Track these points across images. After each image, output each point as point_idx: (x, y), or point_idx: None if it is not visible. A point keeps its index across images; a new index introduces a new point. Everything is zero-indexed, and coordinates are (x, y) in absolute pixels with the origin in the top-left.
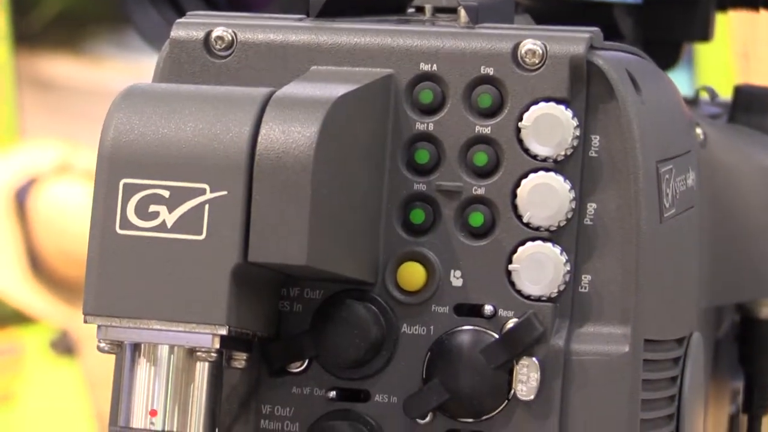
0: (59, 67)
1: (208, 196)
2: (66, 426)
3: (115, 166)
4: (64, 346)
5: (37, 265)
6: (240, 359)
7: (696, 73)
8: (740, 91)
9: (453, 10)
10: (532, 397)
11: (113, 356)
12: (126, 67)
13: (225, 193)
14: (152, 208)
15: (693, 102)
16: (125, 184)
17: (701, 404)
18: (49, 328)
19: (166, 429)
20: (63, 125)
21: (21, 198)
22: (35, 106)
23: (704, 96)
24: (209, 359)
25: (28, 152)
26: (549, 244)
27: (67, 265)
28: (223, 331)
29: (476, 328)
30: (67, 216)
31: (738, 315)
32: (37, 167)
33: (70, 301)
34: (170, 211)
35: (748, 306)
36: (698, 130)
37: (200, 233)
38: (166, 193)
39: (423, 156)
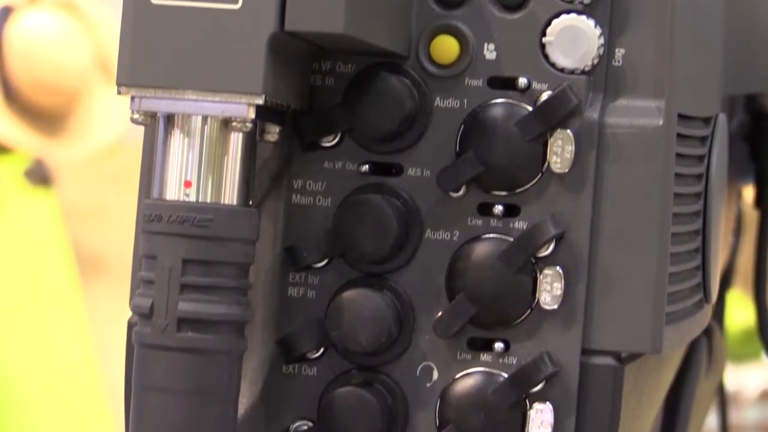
0: None
1: None
2: (42, 254)
3: None
4: (38, 175)
5: (12, 95)
6: (273, 132)
7: None
8: None
9: None
10: (566, 169)
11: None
12: None
13: None
14: None
15: None
16: None
17: (724, 187)
18: (24, 157)
19: (200, 200)
20: None
21: None
22: None
23: None
24: (244, 130)
25: None
26: (583, 17)
27: (41, 94)
28: (260, 101)
29: (510, 101)
30: (42, 45)
31: (748, 113)
32: None
33: (45, 130)
34: None
35: (760, 100)
36: None
37: (236, 2)
38: None
39: None
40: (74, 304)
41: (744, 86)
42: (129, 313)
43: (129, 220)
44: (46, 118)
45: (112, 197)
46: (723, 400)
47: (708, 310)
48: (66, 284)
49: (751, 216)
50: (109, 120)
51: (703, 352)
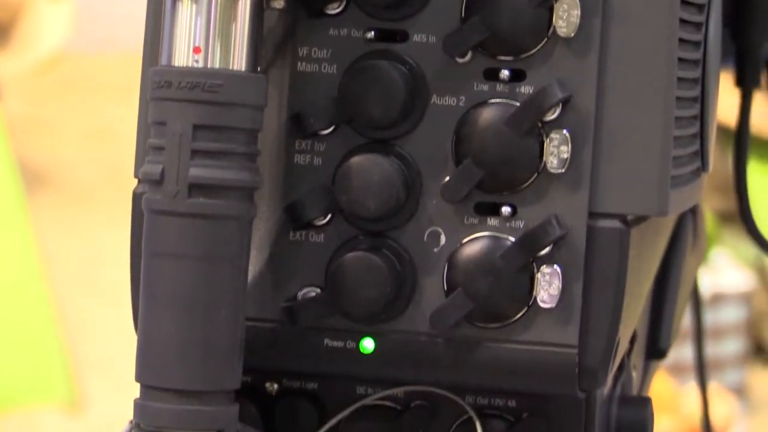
0: None
1: None
2: None
3: None
4: None
5: None
6: None
7: None
8: None
9: None
10: (572, 33)
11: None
12: None
13: None
14: None
15: None
16: None
17: (719, 57)
18: None
19: (209, 66)
20: None
21: None
22: None
23: None
24: None
25: None
26: None
27: None
28: None
29: None
30: None
31: None
32: None
33: None
34: None
35: None
36: None
37: None
38: None
39: None
40: (19, 216)
41: None
42: (73, 225)
43: (72, 133)
44: None
45: (56, 110)
46: (697, 299)
47: (704, 180)
48: (11, 197)
49: None
50: (51, 32)
51: (689, 227)
